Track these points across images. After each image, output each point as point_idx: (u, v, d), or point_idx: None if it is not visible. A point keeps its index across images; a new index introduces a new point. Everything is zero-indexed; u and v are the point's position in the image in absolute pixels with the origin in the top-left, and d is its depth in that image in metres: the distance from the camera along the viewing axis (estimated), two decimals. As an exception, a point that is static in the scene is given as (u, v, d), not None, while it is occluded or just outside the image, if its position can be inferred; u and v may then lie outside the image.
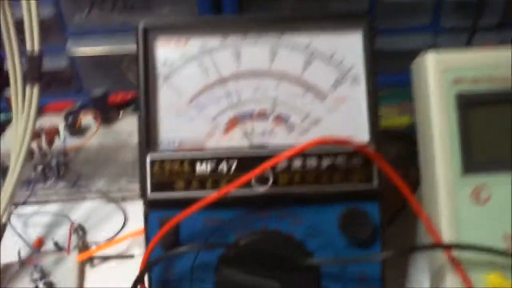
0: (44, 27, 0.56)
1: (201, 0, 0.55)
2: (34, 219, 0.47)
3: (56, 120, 0.58)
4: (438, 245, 0.32)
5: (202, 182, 0.33)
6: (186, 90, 0.34)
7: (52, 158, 0.51)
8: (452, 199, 0.33)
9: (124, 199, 0.50)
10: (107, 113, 0.58)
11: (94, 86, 0.61)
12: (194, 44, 0.35)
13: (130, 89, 0.62)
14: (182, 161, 0.33)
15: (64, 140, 0.53)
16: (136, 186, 0.49)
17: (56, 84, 0.63)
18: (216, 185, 0.33)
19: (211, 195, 0.31)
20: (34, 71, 0.37)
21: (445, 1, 0.55)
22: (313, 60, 0.34)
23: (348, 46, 0.35)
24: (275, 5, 0.57)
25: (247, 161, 0.33)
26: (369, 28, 0.34)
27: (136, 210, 0.48)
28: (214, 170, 0.33)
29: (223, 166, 0.33)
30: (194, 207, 0.31)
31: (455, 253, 0.32)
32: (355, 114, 0.34)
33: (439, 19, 0.59)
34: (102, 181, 0.50)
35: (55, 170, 0.50)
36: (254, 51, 0.35)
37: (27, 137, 0.38)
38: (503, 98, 0.34)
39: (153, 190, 0.33)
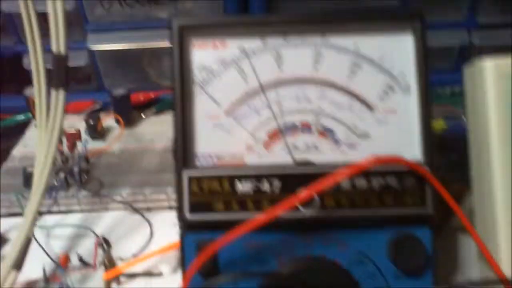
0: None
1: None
2: (56, 231, 0.45)
3: (75, 121, 0.56)
4: (506, 282, 0.29)
5: (243, 202, 0.30)
6: (224, 99, 0.31)
7: (74, 164, 0.49)
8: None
9: (149, 209, 0.47)
10: (129, 114, 0.55)
11: (114, 84, 0.59)
12: (232, 46, 0.31)
13: (152, 87, 0.59)
14: (221, 180, 0.30)
15: (84, 144, 0.51)
16: (162, 197, 0.47)
17: (75, 82, 0.61)
18: (258, 206, 0.30)
19: (255, 217, 0.28)
20: (60, 75, 0.34)
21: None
22: (360, 65, 0.31)
23: (399, 50, 0.31)
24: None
25: (292, 179, 0.30)
26: (422, 29, 0.31)
27: (162, 221, 0.46)
28: (257, 189, 0.30)
29: (266, 185, 0.30)
30: (237, 232, 0.28)
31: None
32: (406, 128, 0.31)
33: (475, 14, 0.56)
34: (126, 190, 0.48)
35: (77, 177, 0.48)
36: (296, 55, 0.31)
37: (52, 147, 0.36)
38: None
39: (191, 210, 0.30)
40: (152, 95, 0.58)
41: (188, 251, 0.31)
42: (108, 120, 0.55)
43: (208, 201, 0.31)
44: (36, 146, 0.37)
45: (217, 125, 0.32)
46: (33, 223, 0.36)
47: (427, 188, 0.30)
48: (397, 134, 0.31)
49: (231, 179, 0.30)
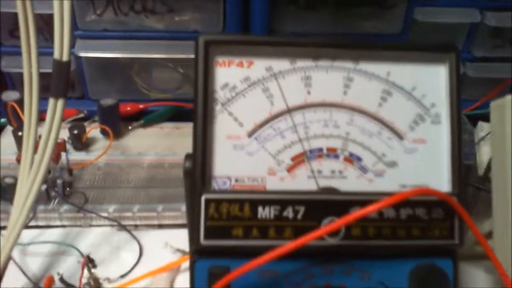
0: (51, 23, 0.51)
1: (230, 6, 0.51)
2: (34, 247, 0.41)
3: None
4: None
5: (264, 229, 0.28)
6: (247, 120, 0.30)
7: (57, 176, 0.45)
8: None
9: (136, 226, 0.44)
10: (116, 125, 0.52)
11: (99, 93, 0.56)
12: (259, 66, 0.30)
13: (139, 99, 0.57)
14: (242, 204, 0.28)
15: (67, 156, 0.47)
16: (151, 214, 0.44)
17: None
18: (279, 233, 0.29)
19: (277, 245, 0.26)
20: (60, 84, 0.31)
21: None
22: (391, 93, 0.30)
23: (431, 80, 0.31)
24: (304, 19, 0.53)
25: (316, 206, 0.29)
26: (456, 61, 0.30)
27: (151, 240, 0.43)
28: (279, 216, 0.29)
29: (289, 212, 0.29)
30: (259, 261, 0.26)
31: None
32: (435, 159, 0.31)
33: (471, 48, 0.57)
34: (112, 205, 0.45)
35: (60, 190, 0.44)
36: (326, 79, 0.30)
37: (46, 159, 0.33)
38: None
39: (207, 236, 0.28)
40: (140, 106, 0.56)
41: (198, 278, 0.29)
42: (92, 131, 0.52)
43: (226, 226, 0.29)
44: (23, 158, 0.34)
45: (238, 146, 0.30)
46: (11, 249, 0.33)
47: (456, 220, 0.29)
48: (425, 164, 0.30)
49: (253, 204, 0.29)
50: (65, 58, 0.31)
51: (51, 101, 0.32)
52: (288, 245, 0.26)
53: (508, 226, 0.32)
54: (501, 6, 0.54)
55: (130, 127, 0.54)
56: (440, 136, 0.31)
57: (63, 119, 0.32)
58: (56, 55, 0.31)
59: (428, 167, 0.30)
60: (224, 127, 0.30)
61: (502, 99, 0.32)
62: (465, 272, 0.39)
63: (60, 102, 0.32)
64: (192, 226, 0.29)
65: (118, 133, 0.53)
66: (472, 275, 0.40)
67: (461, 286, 0.38)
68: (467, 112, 0.56)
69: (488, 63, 0.57)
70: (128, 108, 0.55)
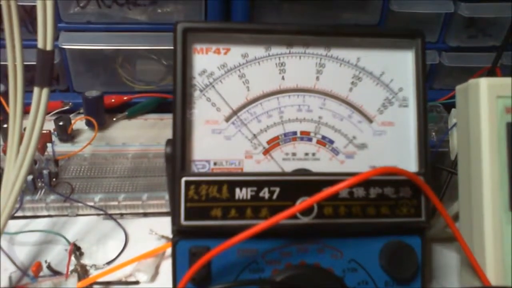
0: (34, 15, 0.51)
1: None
2: (22, 237, 0.42)
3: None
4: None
5: (241, 210, 0.30)
6: (225, 105, 0.31)
7: (43, 166, 0.46)
8: (497, 236, 0.31)
9: (122, 215, 0.46)
10: (101, 117, 0.53)
11: (84, 85, 0.57)
12: (236, 53, 0.31)
13: (124, 90, 0.58)
14: (220, 186, 0.30)
15: (53, 147, 0.48)
16: (136, 203, 0.45)
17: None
18: (256, 213, 0.30)
19: (253, 224, 0.28)
20: (45, 73, 0.32)
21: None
22: (361, 78, 0.32)
23: (399, 66, 0.32)
24: (285, 10, 0.55)
25: (290, 187, 0.30)
26: (422, 47, 0.32)
27: (136, 228, 0.44)
28: (255, 197, 0.30)
29: (265, 193, 0.30)
30: (236, 239, 0.28)
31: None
32: (403, 140, 0.32)
33: (446, 38, 0.59)
34: (97, 195, 0.46)
35: (46, 181, 0.45)
36: (299, 65, 0.32)
37: (31, 148, 0.34)
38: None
39: (187, 217, 0.30)
40: (124, 98, 0.57)
41: (180, 258, 0.31)
42: (78, 122, 0.53)
43: (205, 207, 0.30)
44: (9, 147, 0.34)
45: (216, 130, 0.31)
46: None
47: (422, 199, 0.31)
48: (394, 145, 0.32)
49: (231, 185, 0.30)
50: (48, 47, 0.32)
51: (35, 90, 0.33)
52: (263, 224, 0.28)
53: (471, 208, 0.33)
54: (474, -3, 0.56)
55: (114, 119, 0.55)
56: (408, 119, 0.32)
57: (48, 111, 0.33)
58: (40, 44, 0.32)
59: (397, 149, 0.32)
60: (202, 113, 0.31)
61: (466, 83, 0.33)
62: (438, 252, 0.41)
63: (45, 92, 0.33)
64: (174, 208, 0.30)
65: (103, 125, 0.54)
66: (444, 255, 0.41)
67: (434, 265, 0.40)
68: (443, 100, 0.58)
69: (463, 52, 0.59)
70: (113, 100, 0.56)
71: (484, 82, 0.32)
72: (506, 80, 0.33)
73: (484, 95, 0.32)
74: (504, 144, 0.32)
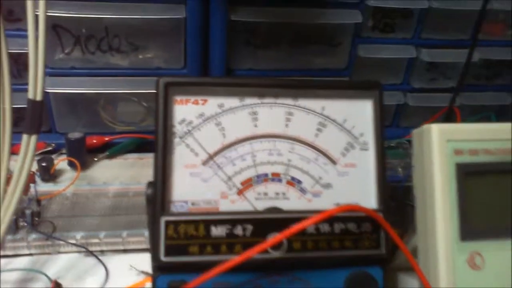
0: (21, 61, 0.54)
1: (190, 45, 0.55)
2: (3, 276, 0.43)
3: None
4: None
5: (217, 246, 0.33)
6: (202, 150, 0.34)
7: (26, 206, 0.48)
8: (450, 264, 0.35)
9: (103, 252, 0.47)
10: (83, 157, 0.56)
11: (67, 127, 0.59)
12: (213, 103, 0.34)
13: (104, 131, 0.60)
14: (197, 224, 0.32)
15: (35, 187, 0.50)
16: (117, 240, 0.47)
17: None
18: (230, 249, 0.33)
19: (228, 260, 0.30)
20: (34, 121, 0.35)
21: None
22: (326, 125, 0.35)
23: (360, 114, 0.36)
24: (260, 56, 0.59)
25: (262, 224, 0.33)
26: (380, 97, 0.36)
27: (117, 264, 0.46)
28: (230, 233, 0.33)
29: (239, 229, 0.33)
30: (211, 273, 0.30)
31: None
32: (364, 180, 0.36)
33: (410, 79, 0.64)
34: (79, 233, 0.47)
35: (29, 220, 0.47)
36: (270, 114, 0.35)
37: (18, 192, 0.36)
38: (498, 169, 0.36)
39: (166, 254, 0.32)
40: (106, 138, 0.59)
41: (160, 292, 0.33)
42: (60, 163, 0.55)
43: (183, 244, 0.32)
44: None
45: (194, 174, 0.34)
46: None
47: (382, 233, 0.34)
48: (356, 185, 0.35)
49: (207, 224, 0.33)
50: (38, 97, 0.35)
51: (24, 137, 0.35)
52: (236, 259, 0.30)
53: (427, 239, 0.36)
54: (434, 44, 0.61)
55: (96, 159, 0.58)
56: (368, 161, 0.36)
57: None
58: (30, 95, 0.35)
59: (358, 188, 0.36)
60: (181, 157, 0.34)
61: (421, 128, 0.37)
62: (402, 281, 0.44)
63: (33, 139, 0.35)
64: (154, 246, 0.32)
65: (84, 165, 0.56)
66: (410, 283, 0.44)
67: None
68: (408, 138, 0.62)
69: (425, 93, 0.64)
70: (94, 141, 0.58)
71: (435, 128, 0.36)
72: (455, 125, 0.37)
73: (435, 139, 0.36)
74: (454, 181, 0.35)
